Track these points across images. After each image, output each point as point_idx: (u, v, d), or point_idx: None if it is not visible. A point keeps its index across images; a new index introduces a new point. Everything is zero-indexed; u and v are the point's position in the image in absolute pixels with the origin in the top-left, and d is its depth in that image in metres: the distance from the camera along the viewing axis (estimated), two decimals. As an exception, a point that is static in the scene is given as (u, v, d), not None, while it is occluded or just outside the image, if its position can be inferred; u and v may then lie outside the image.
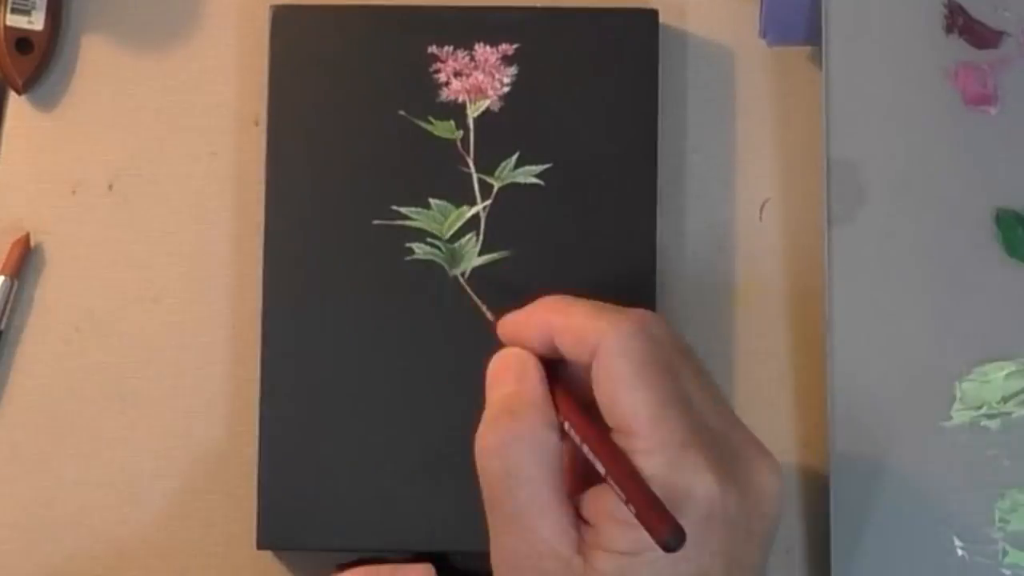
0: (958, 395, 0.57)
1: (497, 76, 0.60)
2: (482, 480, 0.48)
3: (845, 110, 0.58)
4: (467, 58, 0.60)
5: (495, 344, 0.58)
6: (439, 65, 0.60)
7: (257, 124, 0.62)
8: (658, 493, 0.45)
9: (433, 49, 0.60)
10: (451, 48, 0.60)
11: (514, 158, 0.59)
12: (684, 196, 0.62)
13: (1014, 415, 0.57)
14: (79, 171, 0.62)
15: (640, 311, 0.49)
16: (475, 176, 0.59)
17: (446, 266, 0.59)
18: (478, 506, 0.58)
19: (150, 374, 0.61)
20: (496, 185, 0.59)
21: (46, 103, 0.62)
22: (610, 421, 0.47)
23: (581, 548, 0.47)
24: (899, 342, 0.57)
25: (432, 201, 0.59)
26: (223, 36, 0.63)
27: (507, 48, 0.60)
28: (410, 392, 0.59)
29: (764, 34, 0.61)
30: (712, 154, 0.62)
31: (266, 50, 0.60)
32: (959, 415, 0.57)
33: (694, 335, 0.61)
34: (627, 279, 0.59)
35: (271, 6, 0.60)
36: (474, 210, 0.59)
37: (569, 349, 0.49)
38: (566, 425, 0.48)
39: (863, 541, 0.56)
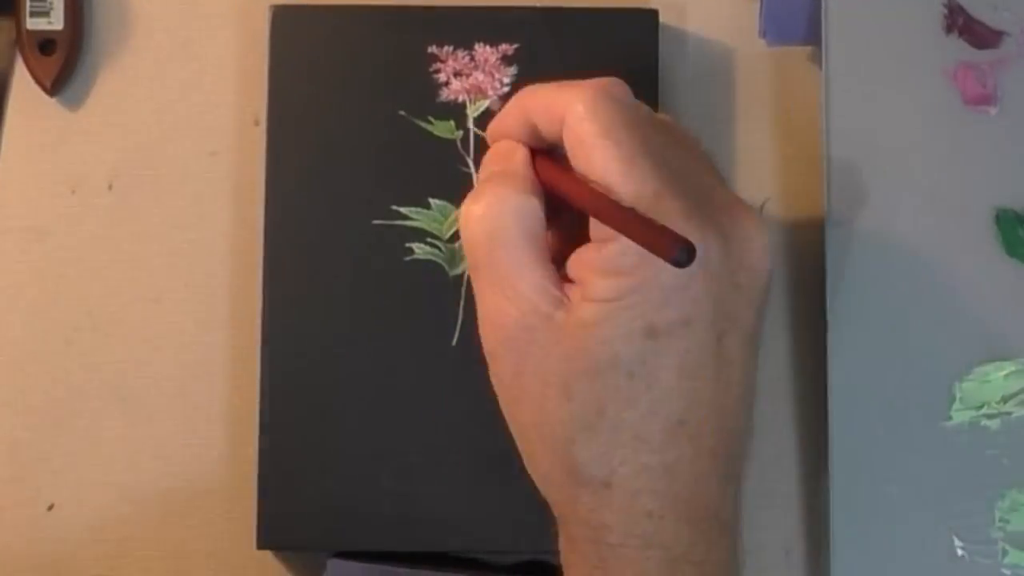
0: (958, 395, 0.57)
1: (497, 76, 0.60)
2: (466, 249, 0.50)
3: (845, 110, 0.58)
4: (467, 58, 0.60)
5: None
6: (439, 65, 0.60)
7: (257, 124, 0.62)
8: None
9: (433, 49, 0.60)
10: (451, 48, 0.60)
11: (514, 158, 0.59)
12: (684, 196, 0.62)
13: (1014, 415, 0.57)
14: (79, 171, 0.62)
15: (601, 78, 0.50)
16: (475, 176, 0.59)
17: (446, 266, 0.59)
18: (480, 506, 0.58)
19: (150, 374, 0.61)
20: (496, 185, 0.59)
21: (46, 103, 0.62)
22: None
23: (563, 305, 0.48)
24: (899, 342, 0.57)
25: (432, 201, 0.59)
26: (223, 36, 0.63)
27: (507, 48, 0.60)
28: (410, 392, 0.59)
29: (764, 34, 0.61)
30: (712, 154, 0.62)
31: (266, 50, 0.60)
32: (959, 415, 0.57)
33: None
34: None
35: (271, 6, 0.60)
36: (474, 210, 0.59)
37: (544, 127, 0.50)
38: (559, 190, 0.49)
39: (863, 541, 0.56)
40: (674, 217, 0.46)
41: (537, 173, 0.50)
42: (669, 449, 0.47)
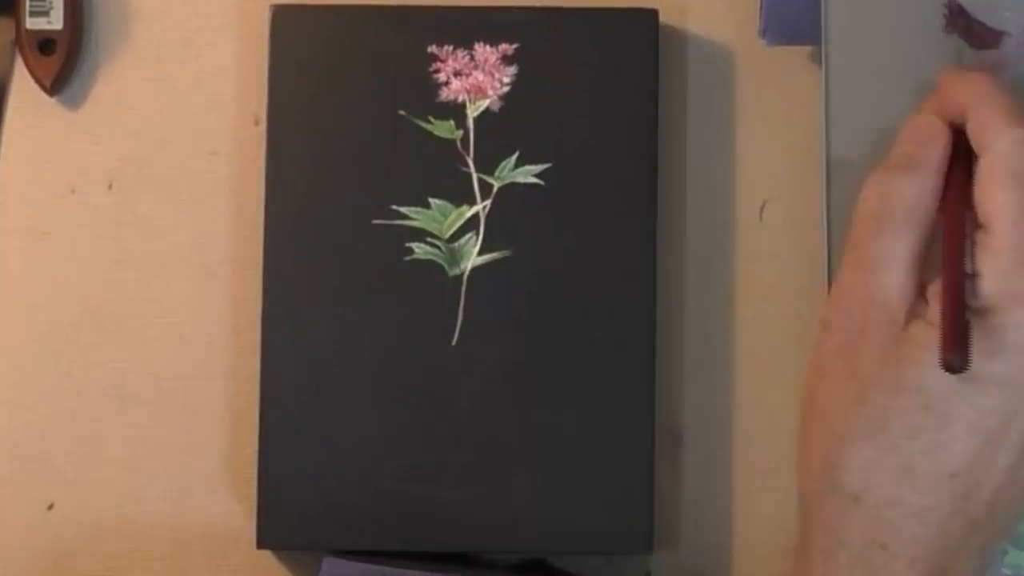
0: (958, 395, 0.57)
1: (497, 76, 0.60)
2: (858, 215, 0.50)
3: (845, 110, 0.58)
4: (467, 58, 0.60)
5: (496, 346, 0.58)
6: (439, 65, 0.60)
7: (257, 124, 0.62)
8: (984, 295, 0.47)
9: (433, 49, 0.60)
10: (451, 48, 0.60)
11: (514, 158, 0.59)
12: (684, 196, 0.62)
13: (1014, 415, 0.57)
14: (79, 171, 0.62)
15: None
16: (475, 176, 0.59)
17: (446, 266, 0.59)
18: (480, 506, 0.58)
19: (150, 374, 0.61)
20: (496, 185, 0.59)
21: (46, 103, 0.62)
22: (980, 217, 0.48)
23: (914, 316, 0.48)
24: (899, 342, 0.57)
25: (432, 201, 0.59)
26: (223, 36, 0.63)
27: (507, 48, 0.60)
28: (410, 392, 0.59)
29: (764, 34, 0.61)
30: (712, 154, 0.62)
31: (266, 50, 0.60)
32: (959, 415, 0.57)
33: (694, 335, 0.61)
34: (627, 279, 0.59)
35: (271, 6, 0.60)
36: (474, 210, 0.59)
37: (973, 138, 0.50)
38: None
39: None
40: None
41: (945, 179, 0.50)
42: (929, 494, 0.47)
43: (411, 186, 0.59)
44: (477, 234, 0.59)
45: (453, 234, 0.59)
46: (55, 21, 0.62)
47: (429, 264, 0.59)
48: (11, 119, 0.63)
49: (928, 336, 0.47)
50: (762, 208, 0.62)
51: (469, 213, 0.59)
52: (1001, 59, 0.58)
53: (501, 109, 0.60)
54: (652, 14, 0.60)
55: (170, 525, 0.61)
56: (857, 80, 0.58)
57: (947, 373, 0.45)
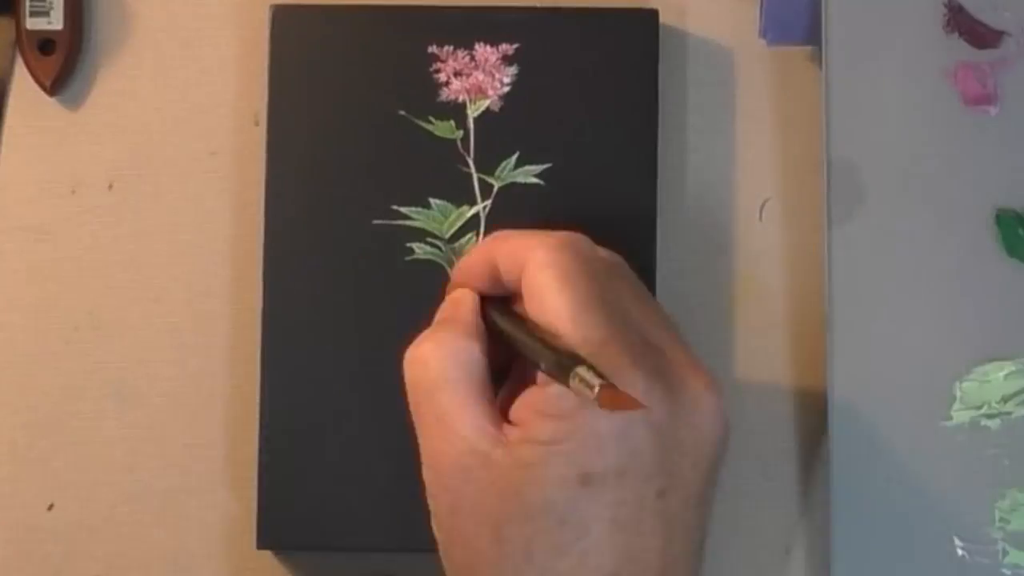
0: (958, 395, 0.57)
1: (497, 76, 0.60)
2: (408, 390, 0.50)
3: (845, 110, 0.58)
4: (467, 58, 0.60)
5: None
6: (439, 65, 0.60)
7: (257, 124, 0.62)
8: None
9: (433, 49, 0.60)
10: (451, 48, 0.60)
11: (514, 158, 0.59)
12: (684, 196, 0.62)
13: (1014, 415, 0.57)
14: (79, 171, 0.62)
15: (568, 232, 0.50)
16: (475, 176, 0.60)
17: (446, 266, 0.59)
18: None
19: (150, 374, 0.61)
20: (496, 185, 0.59)
21: (46, 103, 0.62)
22: (542, 327, 0.48)
23: (501, 444, 0.48)
24: (899, 342, 0.57)
25: (432, 201, 0.59)
26: (223, 36, 0.63)
27: (507, 48, 0.60)
28: (410, 392, 0.59)
29: (764, 34, 0.61)
30: (712, 154, 0.62)
31: (266, 50, 0.60)
32: (959, 415, 0.57)
33: (694, 335, 0.61)
34: (627, 279, 0.59)
35: (271, 6, 0.61)
36: (474, 210, 0.59)
37: (507, 272, 0.50)
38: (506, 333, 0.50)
39: (863, 541, 0.56)
40: (620, 365, 0.46)
41: (486, 318, 0.51)
42: None
43: (411, 186, 0.59)
44: (477, 234, 0.59)
45: (453, 234, 0.59)
46: (55, 21, 0.62)
47: (429, 264, 0.59)
48: (11, 119, 0.63)
49: (537, 453, 0.46)
50: (762, 208, 0.62)
51: (469, 213, 0.59)
52: (1001, 59, 0.58)
53: (501, 109, 0.60)
54: (652, 14, 0.60)
55: (170, 525, 0.61)
56: (857, 80, 0.58)
57: (567, 482, 0.45)
